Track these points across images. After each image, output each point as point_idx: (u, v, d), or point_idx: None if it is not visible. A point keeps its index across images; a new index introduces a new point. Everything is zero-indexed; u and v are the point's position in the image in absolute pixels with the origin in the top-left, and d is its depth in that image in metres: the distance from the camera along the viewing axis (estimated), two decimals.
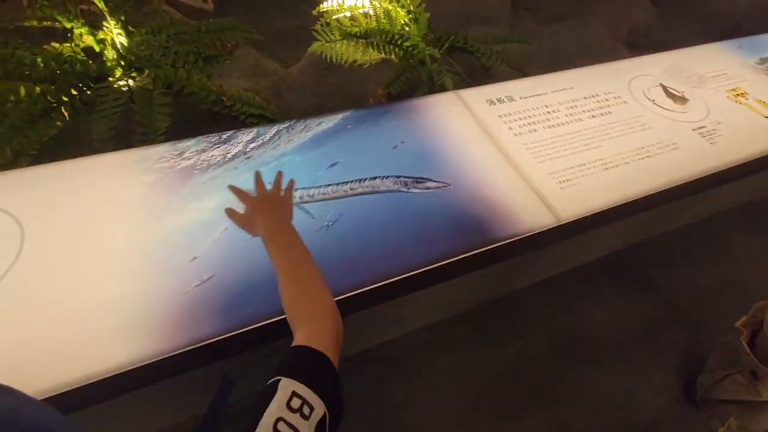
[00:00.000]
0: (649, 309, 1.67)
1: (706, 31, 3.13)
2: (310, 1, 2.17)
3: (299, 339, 0.54)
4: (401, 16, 1.95)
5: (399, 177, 1.12)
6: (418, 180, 1.12)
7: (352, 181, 1.09)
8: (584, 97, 1.49)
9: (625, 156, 1.29)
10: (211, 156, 1.11)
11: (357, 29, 1.74)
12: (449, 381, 1.40)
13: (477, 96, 1.43)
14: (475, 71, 2.12)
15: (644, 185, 1.21)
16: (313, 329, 0.55)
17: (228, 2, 3.33)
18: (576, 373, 1.44)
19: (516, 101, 1.43)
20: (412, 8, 1.99)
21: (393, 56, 1.83)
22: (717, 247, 1.92)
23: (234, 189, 0.79)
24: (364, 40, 1.74)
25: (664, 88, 1.54)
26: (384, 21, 1.81)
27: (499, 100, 1.43)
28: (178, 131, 1.64)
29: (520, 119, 1.36)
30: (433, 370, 1.42)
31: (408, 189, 1.10)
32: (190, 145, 1.14)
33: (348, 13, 1.94)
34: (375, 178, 1.11)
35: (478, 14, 2.91)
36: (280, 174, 0.83)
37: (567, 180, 1.19)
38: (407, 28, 1.91)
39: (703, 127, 1.43)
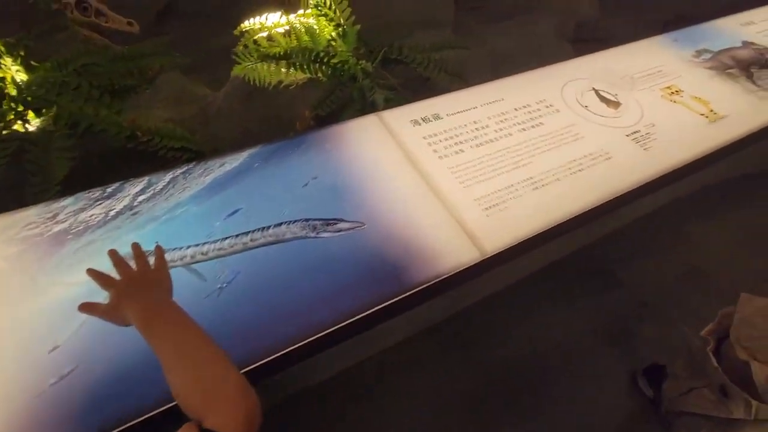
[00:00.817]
0: (613, 306, 1.63)
1: (651, 21, 3.14)
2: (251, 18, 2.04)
3: (209, 426, 0.47)
4: (328, 31, 1.85)
5: (308, 221, 1.02)
6: (329, 222, 1.02)
7: (253, 231, 0.98)
8: (515, 109, 1.41)
9: (555, 172, 1.21)
10: (90, 216, 0.98)
11: (276, 50, 1.62)
12: (421, 402, 1.33)
13: (401, 116, 1.34)
14: (414, 82, 2.04)
15: (575, 203, 1.14)
16: (222, 419, 0.48)
17: (166, 21, 3.16)
18: (546, 380, 1.40)
19: (443, 119, 1.34)
20: (342, 21, 1.89)
21: (320, 75, 1.73)
22: (674, 235, 1.91)
23: (93, 273, 0.66)
24: (285, 61, 1.63)
25: (597, 93, 1.48)
26: (306, 39, 1.70)
27: (424, 120, 1.33)
28: (85, 176, 1.49)
29: (446, 139, 1.28)
30: (401, 392, 1.34)
31: (317, 234, 1.00)
32: (67, 204, 1.01)
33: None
34: (280, 224, 1.00)
35: (423, 18, 2.83)
36: (136, 246, 0.71)
37: (494, 205, 1.11)
38: (334, 44, 1.80)
39: (637, 131, 1.38)
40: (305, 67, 1.65)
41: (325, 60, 1.72)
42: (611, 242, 1.76)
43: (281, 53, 1.61)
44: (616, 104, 1.45)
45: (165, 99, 1.94)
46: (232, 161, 1.14)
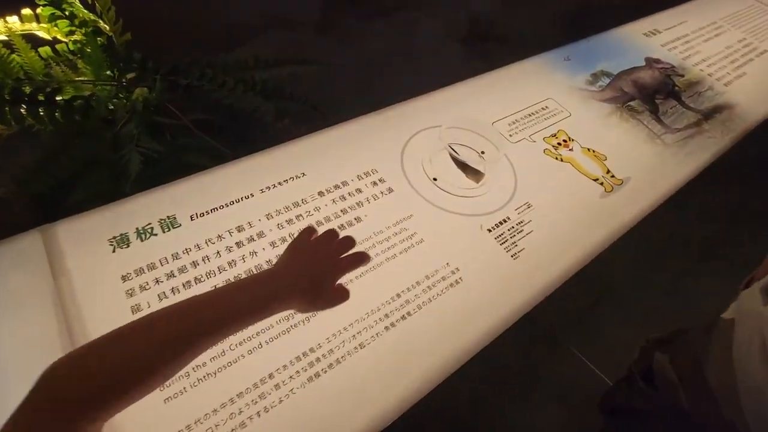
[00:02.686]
0: (527, 346, 1.45)
1: (552, 12, 2.79)
2: None
3: None
4: (62, 47, 1.16)
5: None
6: None
7: None
8: (320, 193, 0.87)
9: (369, 346, 0.70)
10: None
11: None
12: None
13: (94, 229, 0.73)
14: (237, 117, 1.43)
15: (389, 398, 0.63)
16: None
17: None
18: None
19: (180, 227, 0.76)
20: (106, 26, 1.22)
21: (34, 123, 1.05)
22: None
23: None
24: None
25: (452, 155, 0.98)
26: None
27: (141, 232, 0.74)
28: None
29: (169, 276, 0.70)
30: None
31: None
32: None
33: None
34: None
35: (281, 14, 2.19)
36: None
37: None
38: (62, 70, 1.13)
39: (504, 221, 0.90)
40: None
41: (40, 98, 1.05)
42: None
43: None
44: (477, 174, 0.97)
45: None
46: None
